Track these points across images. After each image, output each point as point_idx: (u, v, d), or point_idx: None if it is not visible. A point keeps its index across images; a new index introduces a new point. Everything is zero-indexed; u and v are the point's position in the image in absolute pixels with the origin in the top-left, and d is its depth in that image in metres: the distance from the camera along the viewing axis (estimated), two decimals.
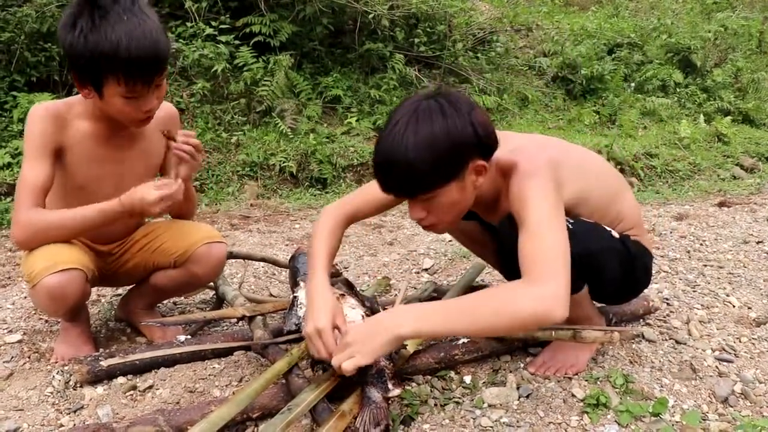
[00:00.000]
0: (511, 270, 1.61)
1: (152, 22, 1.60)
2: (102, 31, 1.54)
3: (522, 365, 1.82)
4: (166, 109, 1.94)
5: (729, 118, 6.84)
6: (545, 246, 1.39)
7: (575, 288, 1.67)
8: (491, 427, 1.54)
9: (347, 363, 1.39)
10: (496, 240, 1.73)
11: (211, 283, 2.29)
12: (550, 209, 1.45)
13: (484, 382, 1.74)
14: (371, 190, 1.74)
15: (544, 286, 1.33)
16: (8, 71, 4.61)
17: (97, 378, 1.74)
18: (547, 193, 1.47)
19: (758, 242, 3.20)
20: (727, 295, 2.42)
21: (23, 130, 1.75)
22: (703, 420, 1.59)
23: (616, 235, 1.72)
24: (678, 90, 7.36)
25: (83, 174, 1.80)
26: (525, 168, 1.51)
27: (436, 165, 1.42)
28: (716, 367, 1.84)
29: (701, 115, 6.90)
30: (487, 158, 1.51)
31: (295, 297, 1.81)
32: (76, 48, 1.56)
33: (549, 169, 1.52)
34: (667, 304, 2.32)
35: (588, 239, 1.62)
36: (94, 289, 2.32)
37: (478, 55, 7.01)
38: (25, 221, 1.68)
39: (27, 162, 1.70)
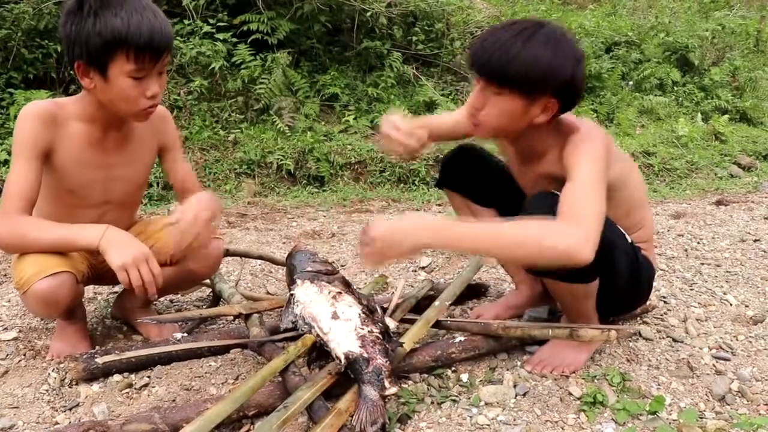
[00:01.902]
0: None
1: (159, 10, 1.66)
2: (112, 9, 1.57)
3: (519, 363, 1.82)
4: (160, 111, 1.93)
5: (726, 116, 6.84)
6: (587, 198, 1.47)
7: (589, 277, 1.69)
8: (488, 425, 1.53)
9: (370, 262, 1.48)
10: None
11: (208, 281, 2.28)
12: (597, 173, 1.53)
13: (480, 381, 1.74)
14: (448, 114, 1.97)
15: (579, 228, 1.40)
16: (5, 68, 4.61)
17: (93, 375, 1.73)
18: (599, 160, 1.55)
19: (755, 240, 3.20)
20: (725, 294, 2.42)
21: None
22: (700, 418, 1.58)
23: (629, 239, 1.78)
24: (676, 88, 7.37)
25: (72, 177, 1.78)
26: (586, 132, 1.61)
27: (526, 71, 1.51)
28: (713, 365, 1.84)
29: (699, 114, 6.90)
30: (560, 106, 1.59)
31: (291, 295, 1.81)
32: (83, 28, 1.57)
33: (605, 143, 1.61)
34: (665, 302, 2.32)
35: (609, 232, 1.66)
36: (90, 287, 2.32)
37: None
38: (12, 226, 1.66)
39: (16, 164, 1.68)
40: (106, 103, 1.70)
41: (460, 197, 2.12)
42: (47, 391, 1.71)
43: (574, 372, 1.76)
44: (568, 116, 1.68)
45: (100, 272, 1.97)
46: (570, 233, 1.38)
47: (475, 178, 2.06)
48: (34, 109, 1.70)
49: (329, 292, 1.76)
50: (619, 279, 1.74)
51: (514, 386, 1.70)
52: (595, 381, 1.72)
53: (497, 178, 2.04)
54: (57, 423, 1.57)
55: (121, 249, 1.63)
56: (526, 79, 1.53)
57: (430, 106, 5.94)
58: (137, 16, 1.58)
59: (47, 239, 1.67)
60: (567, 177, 1.54)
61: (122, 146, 1.86)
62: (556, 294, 1.83)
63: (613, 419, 1.56)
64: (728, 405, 1.65)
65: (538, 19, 1.60)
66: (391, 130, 1.79)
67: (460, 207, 2.14)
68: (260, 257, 2.63)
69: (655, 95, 7.10)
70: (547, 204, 1.55)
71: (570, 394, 1.66)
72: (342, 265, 2.89)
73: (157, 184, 4.35)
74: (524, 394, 1.67)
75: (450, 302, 2.01)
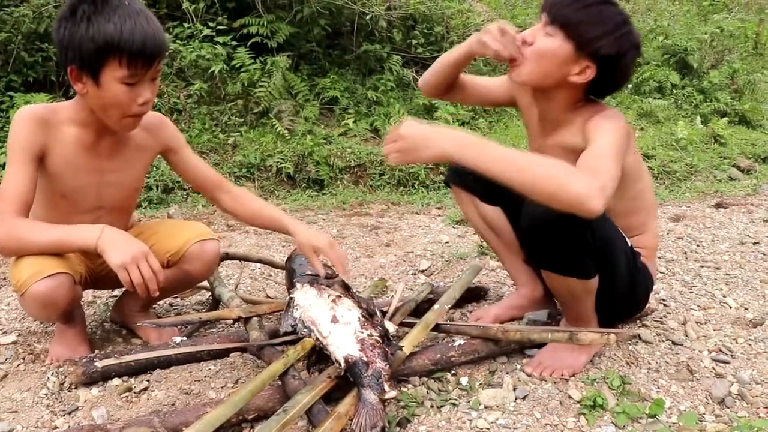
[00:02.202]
0: (530, 247, 1.73)
1: (153, 16, 1.67)
2: (105, 15, 1.58)
3: (518, 367, 1.82)
4: (156, 117, 1.94)
5: (725, 119, 6.84)
6: (604, 161, 1.50)
7: (588, 272, 1.70)
8: (487, 428, 1.53)
9: (392, 157, 1.50)
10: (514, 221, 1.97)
11: (207, 284, 2.28)
12: (616, 146, 1.57)
13: (480, 384, 1.74)
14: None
15: (595, 179, 1.41)
16: (5, 71, 4.61)
17: (92, 379, 1.73)
18: (619, 137, 1.60)
19: (755, 243, 3.20)
20: (724, 296, 2.42)
21: None
22: (700, 421, 1.59)
23: (629, 243, 1.81)
24: (675, 91, 7.37)
25: (65, 182, 1.78)
26: (612, 113, 1.68)
27: (586, 22, 1.59)
28: (713, 368, 1.84)
29: (698, 117, 6.89)
30: (595, 82, 1.66)
31: (291, 298, 1.81)
32: (76, 33, 1.58)
33: (627, 127, 1.66)
34: (664, 305, 2.32)
35: (611, 230, 1.71)
36: (89, 291, 2.32)
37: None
38: (8, 228, 1.65)
39: (11, 167, 1.68)
40: (97, 109, 1.71)
41: (467, 194, 2.15)
42: (46, 395, 1.71)
43: (573, 375, 1.76)
44: (597, 101, 1.76)
45: (98, 276, 1.97)
46: (587, 181, 1.39)
47: (483, 177, 2.08)
48: (27, 113, 1.71)
49: (329, 296, 1.77)
50: (618, 280, 1.76)
51: (514, 389, 1.70)
52: (595, 384, 1.72)
53: None
54: (56, 427, 1.57)
55: (120, 248, 1.62)
56: (583, 31, 1.59)
57: (430, 110, 5.94)
58: (130, 22, 1.58)
59: (44, 241, 1.66)
60: (587, 144, 1.58)
61: (116, 151, 1.86)
62: (556, 292, 1.83)
63: (613, 422, 1.56)
64: (728, 408, 1.65)
65: None
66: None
67: (466, 204, 2.17)
68: (260, 261, 2.62)
69: (655, 98, 7.11)
70: None
71: (570, 397, 1.66)
72: None
73: (157, 187, 4.35)
74: (524, 398, 1.67)
75: (449, 306, 2.01)
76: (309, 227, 1.95)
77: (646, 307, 2.13)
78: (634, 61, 1.67)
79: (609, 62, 1.62)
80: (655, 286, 2.46)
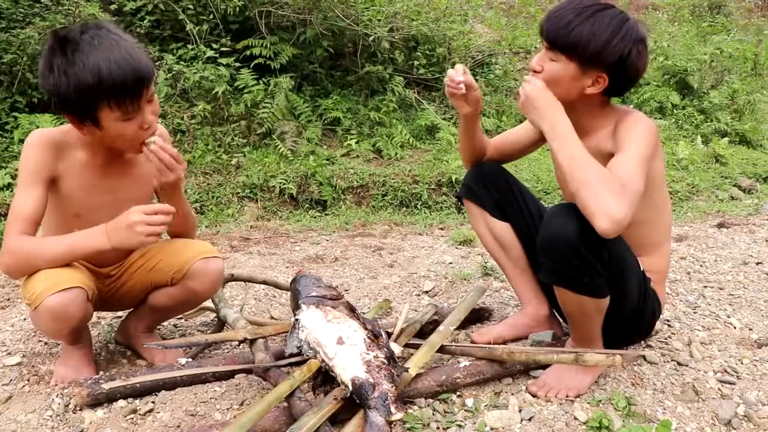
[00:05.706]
0: (545, 261, 1.73)
1: (124, 41, 1.66)
2: (79, 64, 1.58)
3: (524, 388, 1.82)
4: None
5: (726, 139, 6.86)
6: (632, 174, 1.60)
7: (602, 292, 1.72)
8: None
9: (519, 105, 1.76)
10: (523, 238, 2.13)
11: (212, 305, 2.28)
12: (644, 153, 1.67)
13: (486, 405, 1.73)
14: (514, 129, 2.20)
15: (620, 205, 1.52)
16: (10, 92, 4.65)
17: (98, 401, 1.73)
18: (648, 143, 1.70)
19: (758, 263, 3.20)
20: (728, 317, 2.41)
21: None
22: None
23: (642, 267, 1.82)
24: (675, 111, 7.39)
25: (79, 202, 1.82)
26: (642, 117, 1.78)
27: (582, 41, 1.67)
28: (719, 389, 1.84)
29: (699, 137, 6.91)
30: (611, 83, 1.73)
31: (296, 319, 1.81)
32: (60, 88, 1.60)
33: (655, 133, 1.76)
34: (668, 325, 2.32)
35: (626, 252, 1.75)
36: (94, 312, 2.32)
37: (477, 77, 7.06)
38: (10, 249, 1.69)
39: (19, 189, 1.73)
40: (109, 143, 1.75)
41: (478, 209, 2.18)
42: (51, 417, 1.71)
43: (578, 396, 1.76)
44: (622, 105, 1.83)
45: (105, 297, 1.98)
46: (611, 206, 1.51)
47: (494, 193, 2.14)
48: (38, 137, 1.75)
49: (334, 317, 1.77)
50: (628, 303, 1.77)
51: (520, 411, 1.69)
52: (601, 405, 1.72)
53: (515, 195, 2.13)
54: None
55: (127, 230, 1.65)
56: (582, 50, 1.68)
57: (432, 130, 5.97)
58: (105, 63, 1.58)
59: (53, 252, 1.69)
60: (617, 150, 1.69)
61: (127, 170, 1.89)
62: (567, 309, 1.83)
63: None
64: (735, 429, 1.65)
65: (607, 1, 1.74)
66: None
67: (477, 219, 2.20)
68: (264, 282, 2.63)
69: (656, 118, 7.13)
70: (570, 212, 1.62)
71: (575, 418, 1.66)
72: (346, 290, 2.89)
73: None
74: (530, 419, 1.66)
75: (454, 327, 2.01)
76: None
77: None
78: (642, 54, 1.73)
79: (617, 66, 1.70)
80: None
